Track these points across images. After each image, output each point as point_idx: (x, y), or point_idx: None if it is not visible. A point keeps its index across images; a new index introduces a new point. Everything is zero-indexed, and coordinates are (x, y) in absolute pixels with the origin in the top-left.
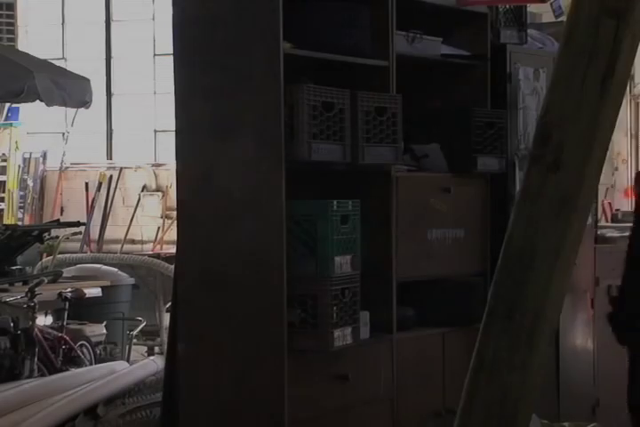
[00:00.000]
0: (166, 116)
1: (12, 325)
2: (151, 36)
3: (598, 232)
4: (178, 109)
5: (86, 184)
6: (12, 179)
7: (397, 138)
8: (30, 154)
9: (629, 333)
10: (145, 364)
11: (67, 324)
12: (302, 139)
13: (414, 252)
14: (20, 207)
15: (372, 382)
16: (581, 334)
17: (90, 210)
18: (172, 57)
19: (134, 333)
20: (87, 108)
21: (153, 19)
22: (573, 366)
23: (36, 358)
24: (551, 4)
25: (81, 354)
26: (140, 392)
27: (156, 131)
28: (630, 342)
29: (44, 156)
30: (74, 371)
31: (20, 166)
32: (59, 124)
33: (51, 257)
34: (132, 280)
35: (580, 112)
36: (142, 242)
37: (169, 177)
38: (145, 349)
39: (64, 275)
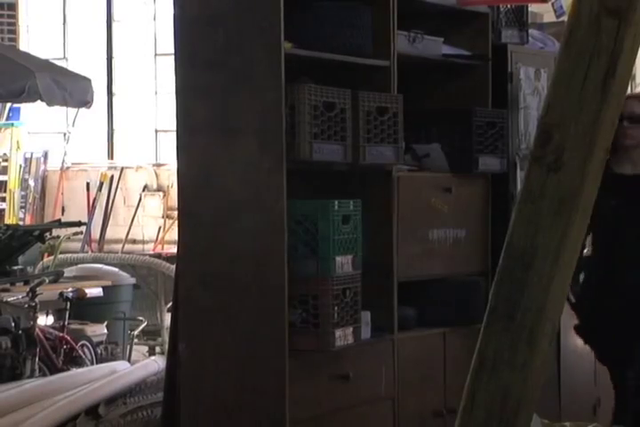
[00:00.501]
0: (167, 115)
1: (13, 324)
2: (152, 36)
3: None
4: (179, 109)
5: (87, 184)
6: (13, 179)
7: (398, 138)
8: (31, 154)
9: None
10: (146, 364)
11: (68, 324)
12: (303, 139)
13: (415, 252)
14: (22, 207)
15: (373, 381)
16: None
17: (91, 210)
18: (172, 57)
19: (135, 333)
20: (88, 107)
21: (154, 18)
22: (574, 366)
23: (37, 358)
24: (552, 3)
25: (82, 354)
26: (142, 392)
27: (157, 130)
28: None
29: (46, 155)
30: (75, 371)
31: (21, 166)
32: (60, 123)
33: (52, 257)
34: (132, 280)
35: (582, 112)
36: (143, 242)
37: (170, 177)
38: (146, 349)
39: (65, 275)
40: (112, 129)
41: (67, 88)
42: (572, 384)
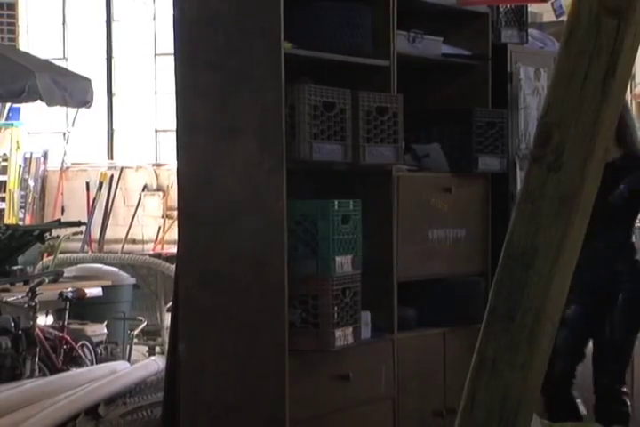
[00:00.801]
0: (167, 115)
1: (13, 325)
2: (152, 36)
3: None
4: (178, 109)
5: (87, 184)
6: (12, 179)
7: (398, 138)
8: (31, 154)
9: None
10: (146, 364)
11: (68, 324)
12: (303, 139)
13: (415, 251)
14: (21, 207)
15: (373, 381)
16: None
17: (91, 210)
18: (172, 57)
19: (135, 333)
20: (88, 107)
21: (154, 18)
22: None
23: (37, 358)
24: (552, 3)
25: (82, 354)
26: (141, 392)
27: (156, 130)
28: None
29: (45, 155)
30: (75, 371)
31: (20, 166)
32: (60, 123)
33: (51, 257)
34: (132, 280)
35: (581, 112)
36: (143, 242)
37: (170, 177)
38: (146, 349)
39: (65, 275)
40: (112, 129)
41: (66, 88)
42: None
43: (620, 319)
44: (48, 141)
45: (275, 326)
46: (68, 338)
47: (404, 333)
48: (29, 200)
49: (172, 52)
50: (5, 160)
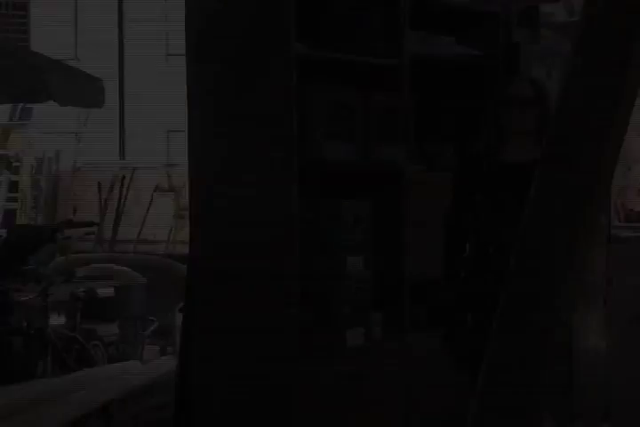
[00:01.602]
0: (179, 115)
1: (25, 325)
2: (164, 36)
3: (612, 232)
4: (190, 109)
5: (99, 184)
6: (25, 179)
7: (410, 137)
8: (43, 154)
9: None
10: (157, 364)
11: (79, 323)
12: (314, 138)
13: (427, 251)
14: (33, 207)
15: (385, 381)
16: (595, 334)
17: (103, 210)
18: (184, 57)
19: (147, 332)
20: (100, 108)
21: (166, 19)
22: (587, 367)
23: (49, 358)
24: (564, 3)
25: (94, 354)
26: (153, 392)
27: (168, 131)
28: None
29: (57, 156)
30: (87, 371)
31: (32, 166)
32: (71, 124)
33: (64, 257)
34: (144, 280)
35: (594, 111)
36: (155, 242)
37: (182, 177)
38: (157, 348)
39: (77, 275)
40: (124, 129)
41: (78, 88)
42: (584, 386)
43: None
44: (60, 142)
45: (286, 326)
46: (80, 338)
47: (416, 333)
48: (41, 200)
49: (184, 52)
50: (18, 160)
